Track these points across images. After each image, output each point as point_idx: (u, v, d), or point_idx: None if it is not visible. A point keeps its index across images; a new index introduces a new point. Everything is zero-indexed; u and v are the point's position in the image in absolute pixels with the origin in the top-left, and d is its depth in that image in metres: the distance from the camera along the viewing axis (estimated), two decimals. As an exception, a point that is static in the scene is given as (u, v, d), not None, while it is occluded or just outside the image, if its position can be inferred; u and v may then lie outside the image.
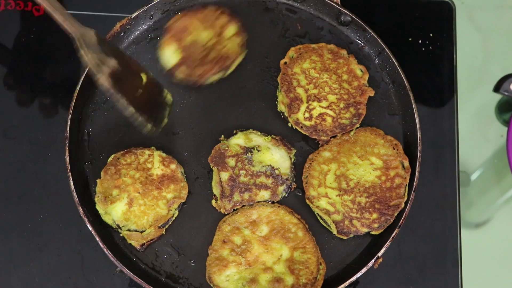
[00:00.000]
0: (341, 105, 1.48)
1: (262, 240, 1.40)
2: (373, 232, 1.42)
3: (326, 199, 1.43)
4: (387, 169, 1.44)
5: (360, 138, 1.47)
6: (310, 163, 1.47)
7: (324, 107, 1.48)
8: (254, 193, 1.44)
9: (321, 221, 1.44)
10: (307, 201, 1.44)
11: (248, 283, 1.37)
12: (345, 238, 1.42)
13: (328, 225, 1.42)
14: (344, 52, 1.53)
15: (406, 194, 1.43)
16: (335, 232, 1.41)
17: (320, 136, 1.47)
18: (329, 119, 1.47)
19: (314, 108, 1.48)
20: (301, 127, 1.48)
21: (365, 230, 1.41)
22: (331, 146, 1.47)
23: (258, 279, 1.37)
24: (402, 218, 1.41)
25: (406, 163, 1.44)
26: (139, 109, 1.35)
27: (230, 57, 1.51)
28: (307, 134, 1.48)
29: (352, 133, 1.48)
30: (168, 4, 1.58)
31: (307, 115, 1.48)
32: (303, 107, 1.48)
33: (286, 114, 1.50)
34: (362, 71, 1.51)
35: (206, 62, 1.49)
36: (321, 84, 1.50)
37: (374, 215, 1.41)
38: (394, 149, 1.45)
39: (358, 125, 1.48)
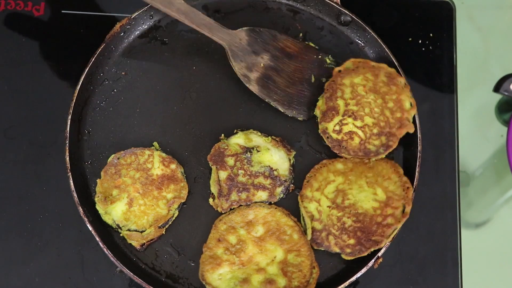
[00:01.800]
0: (375, 131, 1.44)
1: (257, 241, 1.40)
2: (343, 256, 1.40)
3: (316, 204, 1.43)
4: (386, 205, 1.40)
5: (378, 166, 1.44)
6: (321, 167, 1.46)
7: (357, 127, 1.44)
8: (252, 193, 1.44)
9: (302, 221, 1.43)
10: (298, 198, 1.44)
11: (240, 282, 1.36)
12: (315, 248, 1.41)
13: (306, 228, 1.42)
14: (402, 80, 1.47)
15: (391, 237, 1.39)
16: (309, 237, 1.40)
17: (342, 152, 1.44)
18: (356, 140, 1.44)
19: (347, 124, 1.44)
20: (327, 137, 1.44)
21: (337, 250, 1.39)
22: (347, 161, 1.45)
23: (250, 280, 1.37)
24: (402, 218, 1.41)
25: (407, 209, 1.39)
26: (291, 99, 1.46)
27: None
28: (329, 145, 1.44)
29: (373, 159, 1.44)
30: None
31: (337, 127, 1.44)
32: (336, 119, 1.44)
33: (318, 120, 1.47)
34: (411, 105, 1.45)
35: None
36: (364, 103, 1.45)
37: (351, 241, 1.39)
38: (403, 191, 1.41)
39: (383, 156, 1.44)
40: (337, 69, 1.49)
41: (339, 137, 1.44)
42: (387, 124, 1.44)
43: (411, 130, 1.44)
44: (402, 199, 1.40)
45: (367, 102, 1.45)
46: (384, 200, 1.41)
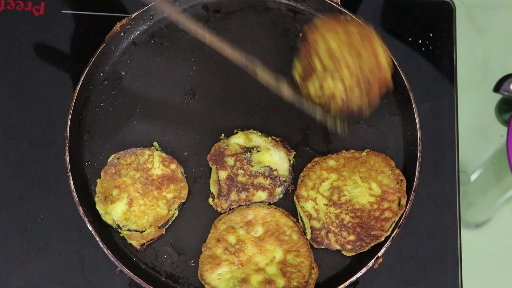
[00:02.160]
0: (355, 90, 1.34)
1: (256, 241, 1.40)
2: (344, 253, 1.41)
3: (313, 203, 1.43)
4: (382, 199, 1.42)
5: (370, 161, 1.46)
6: (313, 165, 1.46)
7: (337, 87, 1.33)
8: (251, 193, 1.44)
9: (300, 221, 1.44)
10: (294, 198, 1.44)
11: (239, 282, 1.36)
12: (315, 246, 1.42)
13: (305, 228, 1.42)
14: (376, 38, 1.36)
15: (390, 230, 1.41)
16: (308, 237, 1.41)
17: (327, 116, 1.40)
18: (339, 100, 1.35)
19: (327, 83, 1.34)
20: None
21: (337, 247, 1.40)
22: (339, 157, 1.47)
23: (249, 280, 1.37)
24: (402, 218, 1.41)
25: (403, 201, 1.42)
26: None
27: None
28: (317, 104, 1.39)
29: (364, 153, 1.47)
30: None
31: (317, 86, 1.35)
32: (315, 78, 1.35)
33: (299, 85, 1.39)
34: (388, 64, 1.36)
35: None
36: (341, 61, 1.33)
37: (351, 237, 1.40)
38: (397, 183, 1.43)
39: (367, 115, 1.43)
40: (307, 27, 1.39)
41: (322, 101, 1.37)
42: (367, 83, 1.35)
43: (391, 88, 1.39)
44: (397, 192, 1.42)
45: (344, 61, 1.34)
46: (380, 195, 1.43)
